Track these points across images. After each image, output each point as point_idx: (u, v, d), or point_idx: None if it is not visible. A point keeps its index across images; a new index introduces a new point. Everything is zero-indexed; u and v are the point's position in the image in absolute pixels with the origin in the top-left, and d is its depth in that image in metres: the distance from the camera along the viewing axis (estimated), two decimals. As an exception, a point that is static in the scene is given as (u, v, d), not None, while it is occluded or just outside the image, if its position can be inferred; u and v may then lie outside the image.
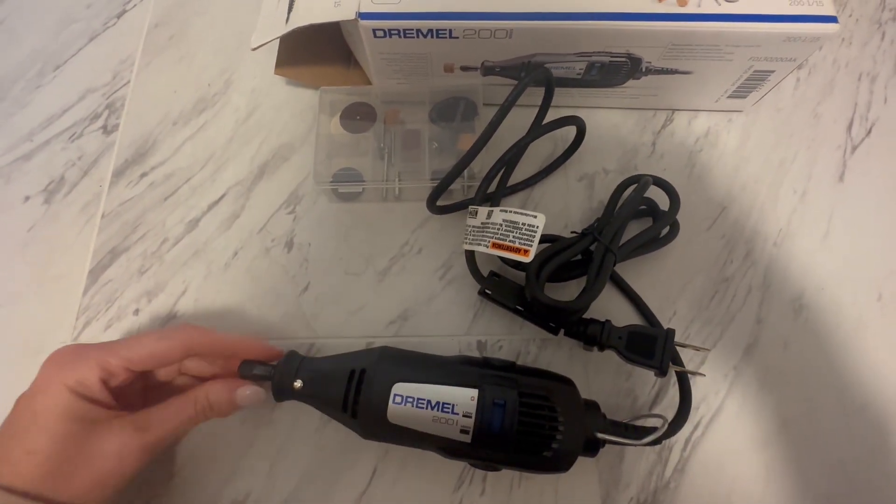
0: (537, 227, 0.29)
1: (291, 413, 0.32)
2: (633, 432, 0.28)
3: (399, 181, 0.35)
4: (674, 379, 0.33)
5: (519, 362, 0.33)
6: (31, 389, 0.26)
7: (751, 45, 0.31)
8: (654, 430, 0.28)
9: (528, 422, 0.26)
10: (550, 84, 0.33)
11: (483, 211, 0.32)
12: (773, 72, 0.34)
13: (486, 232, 0.31)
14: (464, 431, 0.26)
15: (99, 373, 0.26)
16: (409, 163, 0.35)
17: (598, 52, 0.33)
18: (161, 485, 0.31)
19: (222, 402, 0.28)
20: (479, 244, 0.31)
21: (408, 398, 0.26)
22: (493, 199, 0.36)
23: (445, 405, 0.26)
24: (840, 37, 0.42)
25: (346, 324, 0.34)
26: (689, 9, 0.30)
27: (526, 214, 0.30)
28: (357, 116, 0.36)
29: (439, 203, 0.34)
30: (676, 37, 0.31)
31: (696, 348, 0.32)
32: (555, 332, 0.32)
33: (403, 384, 0.27)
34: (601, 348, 0.31)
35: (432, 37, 0.31)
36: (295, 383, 0.28)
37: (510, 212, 0.30)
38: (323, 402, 0.28)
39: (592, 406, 0.29)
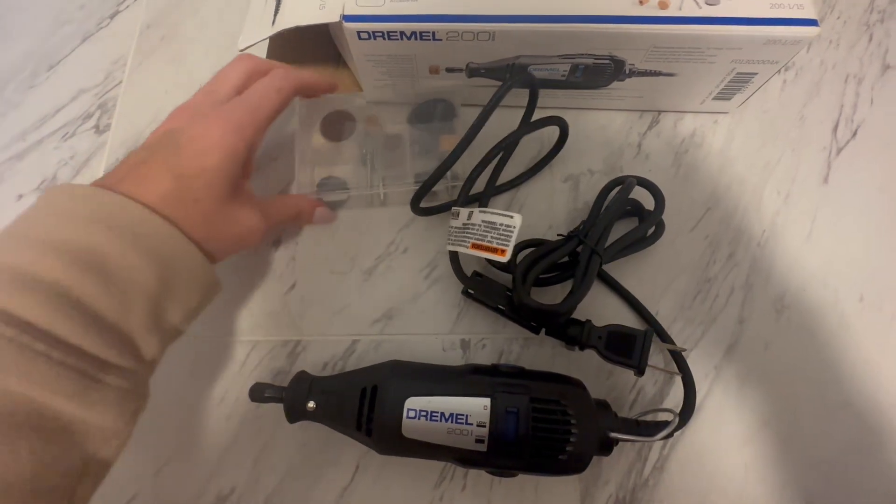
0: (514, 227, 0.30)
1: (275, 410, 0.32)
2: (645, 429, 0.29)
3: (383, 186, 0.36)
4: (657, 373, 0.33)
5: (502, 361, 0.34)
6: (193, 139, 0.27)
7: (732, 47, 0.32)
8: (663, 424, 0.28)
9: (542, 427, 0.26)
10: (535, 87, 0.33)
11: (464, 212, 0.32)
12: (755, 74, 0.34)
13: (467, 233, 0.31)
14: (479, 441, 0.26)
15: (254, 136, 0.29)
16: (392, 167, 0.36)
17: (582, 55, 0.33)
18: (148, 480, 0.32)
19: (308, 213, 0.35)
20: (460, 245, 0.32)
21: (421, 412, 0.27)
22: (480, 200, 0.36)
23: (459, 416, 0.26)
24: (828, 39, 0.42)
25: (331, 322, 0.35)
26: (671, 11, 0.31)
27: (503, 215, 0.30)
28: (337, 125, 0.37)
29: (423, 205, 0.34)
30: (658, 39, 0.31)
31: (675, 348, 0.32)
32: (536, 331, 0.33)
33: (416, 398, 0.27)
34: (581, 348, 0.31)
35: (416, 39, 0.32)
36: (308, 405, 0.28)
37: (488, 212, 0.31)
38: (337, 421, 0.28)
39: (603, 406, 0.29)
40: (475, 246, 0.31)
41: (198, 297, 0.27)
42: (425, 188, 0.32)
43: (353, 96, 0.38)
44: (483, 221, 0.31)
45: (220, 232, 0.27)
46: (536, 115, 0.34)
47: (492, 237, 0.30)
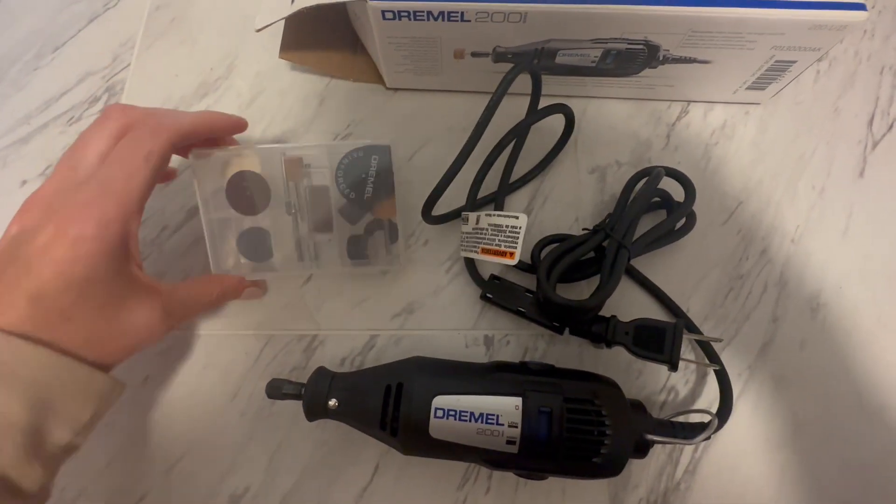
0: (520, 227, 0.28)
1: (292, 407, 0.31)
2: (681, 431, 0.27)
3: (314, 250, 0.31)
4: (688, 372, 0.32)
5: (528, 358, 0.33)
6: (37, 234, 0.23)
7: (774, 32, 0.30)
8: (700, 426, 0.27)
9: (576, 428, 0.25)
10: (537, 73, 0.31)
11: (473, 217, 0.31)
12: (794, 62, 0.33)
13: (477, 238, 0.31)
14: (510, 442, 0.25)
15: (133, 219, 0.25)
16: (322, 230, 0.30)
17: (615, 39, 0.32)
18: (159, 478, 0.30)
19: (232, 294, 0.31)
20: (472, 250, 0.31)
21: (450, 411, 0.25)
22: (496, 200, 0.35)
23: (490, 416, 0.25)
24: (862, 29, 0.41)
25: (349, 316, 0.33)
26: (712, -7, 0.29)
27: (508, 216, 0.29)
28: (246, 190, 0.29)
29: (434, 213, 0.33)
30: (697, 23, 0.30)
31: (708, 339, 0.31)
32: (560, 331, 0.31)
33: (444, 397, 0.26)
34: (608, 345, 0.30)
35: (443, 20, 0.30)
36: (329, 402, 0.26)
37: (494, 215, 0.30)
38: (359, 420, 0.27)
39: (638, 406, 0.28)
40: (485, 250, 0.30)
41: (90, 408, 0.24)
42: (434, 196, 0.31)
43: (252, 149, 0.29)
44: (490, 225, 0.30)
45: (106, 341, 0.24)
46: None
47: (500, 240, 0.29)
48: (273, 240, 0.30)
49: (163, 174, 0.29)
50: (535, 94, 0.32)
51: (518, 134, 0.32)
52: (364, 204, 0.30)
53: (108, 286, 0.24)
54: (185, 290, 0.28)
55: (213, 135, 0.29)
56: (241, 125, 0.31)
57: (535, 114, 0.32)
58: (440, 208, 0.32)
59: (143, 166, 0.25)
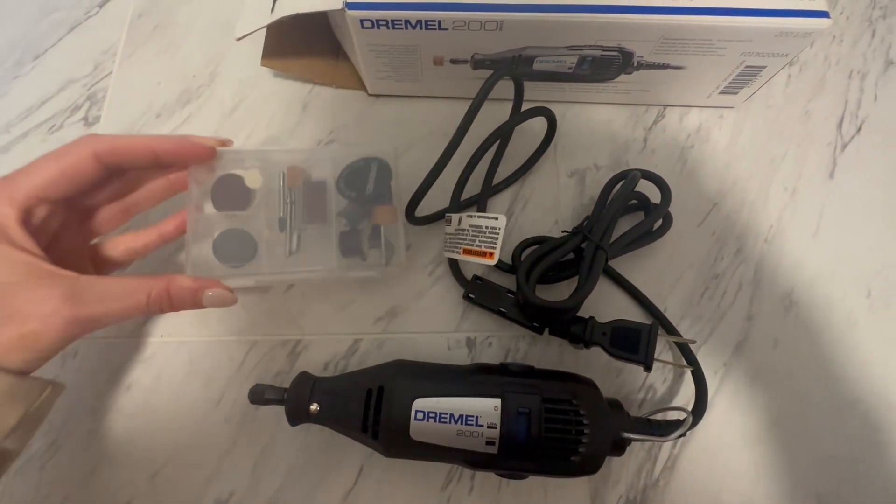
0: (499, 228, 0.29)
1: (276, 412, 0.31)
2: (658, 428, 0.28)
3: (303, 264, 0.29)
4: (666, 371, 0.33)
5: (509, 359, 0.33)
6: None
7: (743, 39, 0.31)
8: (676, 423, 0.28)
9: (555, 427, 0.26)
10: (519, 78, 0.32)
11: (455, 218, 0.32)
12: (764, 67, 0.34)
13: (459, 238, 0.31)
14: (489, 443, 0.25)
15: (12, 207, 0.23)
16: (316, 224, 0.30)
17: (590, 46, 0.32)
18: (143, 484, 0.30)
19: (185, 298, 0.26)
20: (454, 251, 0.31)
21: (430, 413, 0.26)
22: (478, 203, 0.36)
23: (469, 418, 0.26)
24: (831, 34, 0.42)
25: (332, 320, 0.34)
26: (682, 2, 0.30)
27: (487, 217, 0.30)
28: (231, 194, 0.29)
29: (418, 214, 0.33)
30: (668, 30, 0.31)
31: (683, 341, 0.32)
32: (539, 331, 0.32)
33: (424, 399, 0.26)
34: (587, 346, 0.30)
35: (421, 28, 0.31)
36: (311, 407, 0.27)
37: (475, 216, 0.30)
38: (341, 424, 0.27)
39: (616, 405, 0.28)
40: (466, 251, 0.31)
41: (14, 413, 0.22)
42: (418, 196, 0.31)
43: (251, 152, 0.31)
44: (471, 226, 0.31)
45: None
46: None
47: (480, 241, 0.30)
48: (259, 242, 0.29)
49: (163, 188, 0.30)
50: (518, 98, 0.33)
51: (501, 135, 0.33)
52: (364, 205, 0.30)
53: None
54: (109, 284, 0.25)
55: (162, 160, 0.27)
56: (203, 154, 0.28)
57: (519, 115, 0.33)
58: (423, 210, 0.33)
59: (52, 160, 0.25)
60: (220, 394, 0.32)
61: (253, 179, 0.30)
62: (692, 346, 0.32)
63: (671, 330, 0.33)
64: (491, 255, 0.29)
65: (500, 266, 0.34)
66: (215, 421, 0.32)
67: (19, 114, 0.39)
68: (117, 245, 0.30)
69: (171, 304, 0.26)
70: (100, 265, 0.29)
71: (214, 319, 0.34)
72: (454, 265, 0.34)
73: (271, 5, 0.33)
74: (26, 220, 0.24)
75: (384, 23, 0.31)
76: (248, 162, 0.30)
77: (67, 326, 0.23)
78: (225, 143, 0.30)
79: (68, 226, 0.28)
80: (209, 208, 0.29)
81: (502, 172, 0.36)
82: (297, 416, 0.27)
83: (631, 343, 0.29)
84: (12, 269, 0.23)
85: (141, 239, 0.30)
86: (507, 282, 0.34)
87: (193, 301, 0.27)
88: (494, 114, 0.32)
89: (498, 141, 0.33)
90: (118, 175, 0.28)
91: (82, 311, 0.23)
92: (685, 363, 0.32)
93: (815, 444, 0.32)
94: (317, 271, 0.30)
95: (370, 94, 0.39)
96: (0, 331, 0.22)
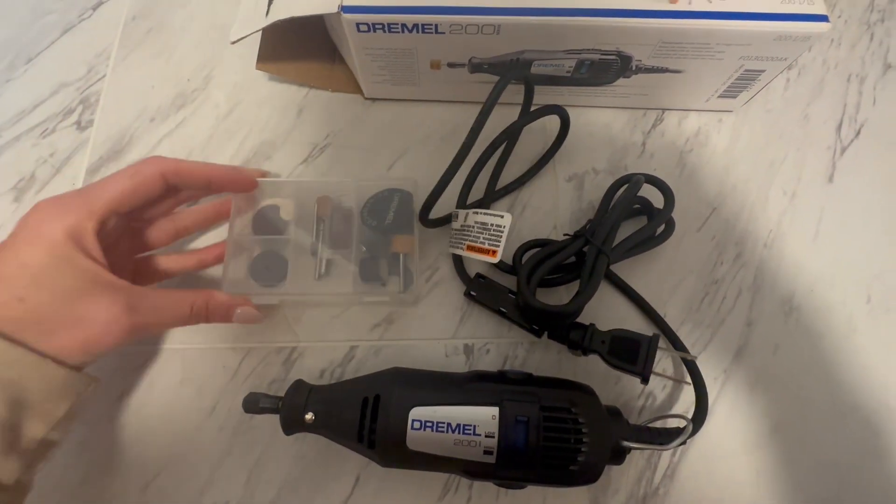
0: (504, 226, 0.29)
1: (271, 421, 0.31)
2: (657, 436, 0.28)
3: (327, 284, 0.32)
4: (664, 380, 0.32)
5: (507, 366, 0.33)
6: (12, 241, 0.25)
7: (741, 43, 0.31)
8: (676, 431, 0.28)
9: (553, 436, 0.25)
10: (530, 82, 0.32)
11: (462, 214, 0.32)
12: (763, 71, 0.34)
13: (464, 235, 0.31)
14: (487, 452, 0.25)
15: (91, 219, 0.25)
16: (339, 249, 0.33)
17: (588, 50, 0.32)
18: (135, 494, 0.30)
19: (219, 312, 0.29)
20: (459, 247, 0.31)
21: (427, 423, 0.25)
22: (481, 204, 0.35)
23: (467, 427, 0.25)
24: (829, 38, 0.42)
25: (328, 327, 0.33)
26: (680, 6, 0.30)
27: (493, 215, 0.29)
28: (270, 224, 0.33)
29: (431, 217, 0.33)
30: (667, 34, 0.31)
31: (682, 356, 0.32)
32: (538, 334, 0.32)
33: (421, 408, 0.26)
34: (585, 353, 0.30)
35: (418, 32, 0.31)
36: (306, 416, 0.26)
37: (481, 213, 0.30)
38: (336, 433, 0.27)
39: (615, 413, 0.28)
40: (470, 247, 0.30)
41: (64, 404, 0.24)
42: (432, 200, 0.31)
43: (287, 184, 0.34)
44: (476, 223, 0.30)
45: (60, 329, 0.24)
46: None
47: (484, 238, 0.29)
48: (290, 265, 0.32)
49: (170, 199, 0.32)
50: (528, 100, 0.33)
51: (510, 135, 0.33)
52: (384, 234, 0.32)
53: (62, 274, 0.24)
54: (160, 297, 0.28)
55: (213, 185, 0.31)
56: (246, 184, 0.32)
57: (530, 114, 0.32)
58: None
59: (124, 179, 0.27)
60: (213, 402, 0.32)
61: (287, 210, 0.33)
62: (692, 351, 0.32)
63: (674, 339, 0.33)
64: (494, 252, 0.29)
65: (501, 267, 0.33)
66: (209, 430, 0.31)
67: (11, 117, 0.39)
68: (159, 263, 0.32)
69: (208, 316, 0.29)
70: (139, 277, 0.31)
71: (208, 326, 0.33)
72: (458, 262, 0.34)
73: (266, 8, 0.32)
74: (101, 230, 0.26)
75: (380, 26, 0.30)
76: (285, 190, 0.33)
77: (124, 334, 0.25)
78: (265, 174, 0.35)
79: (123, 238, 0.30)
80: (248, 233, 0.32)
81: (505, 176, 0.36)
82: (292, 425, 0.27)
83: (630, 353, 0.28)
84: (80, 276, 0.25)
85: (181, 262, 0.32)
86: (509, 283, 0.33)
87: (225, 316, 0.29)
88: (492, 117, 0.32)
89: (506, 141, 0.33)
90: (173, 194, 0.31)
91: (139, 320, 0.26)
92: (684, 376, 0.32)
93: (816, 449, 0.31)
94: (340, 295, 0.32)
95: (366, 98, 0.39)
96: (68, 333, 0.24)
